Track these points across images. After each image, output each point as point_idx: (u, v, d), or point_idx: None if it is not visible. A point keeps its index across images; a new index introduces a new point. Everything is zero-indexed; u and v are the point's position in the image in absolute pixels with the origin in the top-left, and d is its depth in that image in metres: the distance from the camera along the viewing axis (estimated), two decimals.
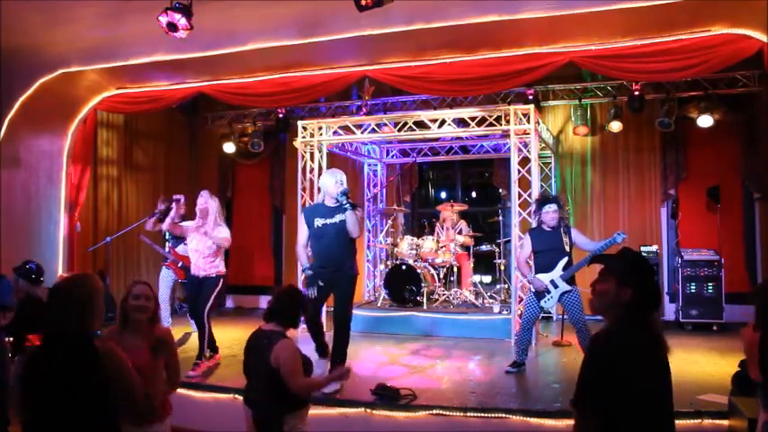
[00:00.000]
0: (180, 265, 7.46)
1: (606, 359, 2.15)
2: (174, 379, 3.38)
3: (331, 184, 5.38)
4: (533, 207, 6.22)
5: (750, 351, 3.26)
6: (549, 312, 8.79)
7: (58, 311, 2.52)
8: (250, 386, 3.55)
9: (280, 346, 3.35)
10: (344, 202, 5.23)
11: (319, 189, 5.82)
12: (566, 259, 5.68)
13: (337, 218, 5.30)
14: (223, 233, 6.00)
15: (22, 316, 4.95)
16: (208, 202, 6.00)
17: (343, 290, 5.43)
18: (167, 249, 7.58)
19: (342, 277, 5.37)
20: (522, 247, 6.16)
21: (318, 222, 5.38)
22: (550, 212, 5.76)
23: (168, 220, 6.18)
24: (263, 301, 10.96)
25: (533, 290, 5.90)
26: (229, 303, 10.94)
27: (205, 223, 5.95)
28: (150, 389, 3.15)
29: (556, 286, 5.71)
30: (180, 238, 7.48)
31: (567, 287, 5.68)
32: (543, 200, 5.92)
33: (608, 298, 2.20)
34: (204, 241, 5.97)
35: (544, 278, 5.74)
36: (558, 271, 5.70)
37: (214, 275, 5.99)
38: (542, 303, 5.81)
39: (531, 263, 6.00)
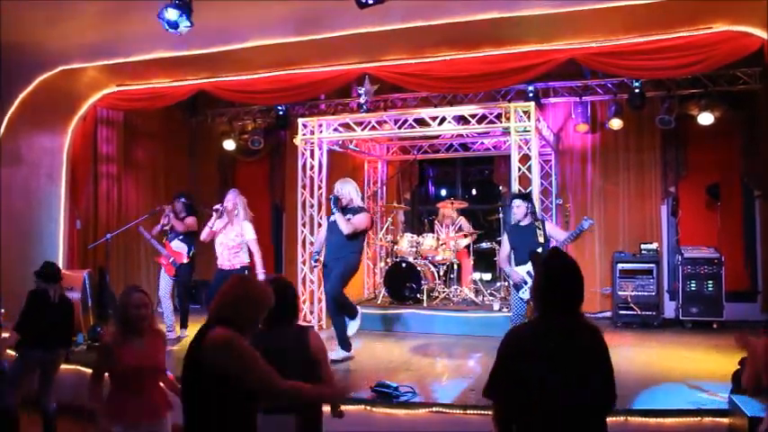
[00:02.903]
0: (171, 260, 7.37)
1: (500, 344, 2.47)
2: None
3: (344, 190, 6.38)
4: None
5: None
6: None
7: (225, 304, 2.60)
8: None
9: (315, 335, 3.23)
10: (332, 207, 6.25)
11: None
12: (539, 251, 5.95)
13: (346, 216, 6.19)
14: (249, 233, 6.79)
15: (29, 311, 4.96)
16: (236, 198, 6.83)
17: (335, 269, 6.18)
18: (162, 244, 7.52)
19: (339, 261, 6.19)
20: (502, 245, 6.45)
21: (332, 218, 6.36)
22: (514, 208, 6.14)
23: (206, 229, 6.89)
24: None
25: (512, 283, 6.19)
26: None
27: (230, 220, 6.77)
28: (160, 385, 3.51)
29: (532, 277, 5.84)
30: (177, 234, 7.43)
31: None
32: (512, 196, 6.43)
33: (533, 291, 2.54)
34: (228, 234, 6.71)
35: (521, 270, 6.01)
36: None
37: (238, 267, 6.69)
38: (520, 294, 6.04)
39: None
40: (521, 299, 6.07)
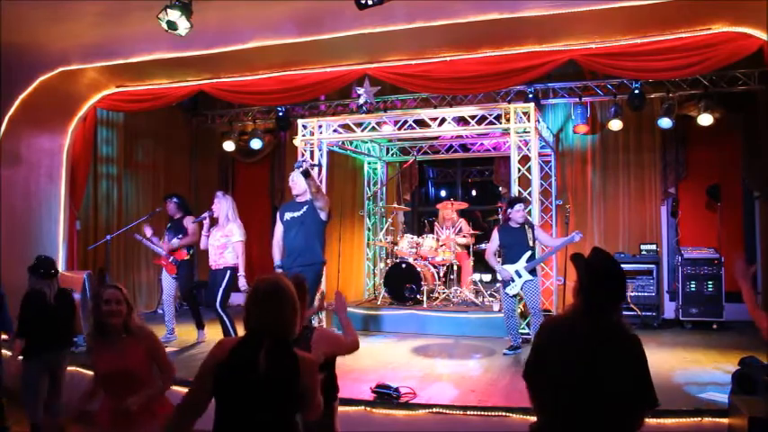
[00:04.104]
0: (171, 260, 7.32)
1: (537, 331, 2.63)
2: (166, 377, 3.35)
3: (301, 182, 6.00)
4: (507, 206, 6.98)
5: None
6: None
7: (267, 310, 2.42)
8: None
9: (317, 337, 3.22)
10: (298, 169, 5.86)
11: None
12: (529, 253, 6.47)
13: (302, 210, 5.90)
14: (236, 236, 6.54)
15: (26, 315, 4.80)
16: (220, 202, 6.66)
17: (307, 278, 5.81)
18: (160, 246, 7.46)
19: (305, 271, 5.63)
20: (491, 241, 6.83)
21: (287, 216, 6.01)
22: (520, 211, 6.54)
23: (203, 239, 6.72)
24: None
25: (500, 279, 6.68)
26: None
27: (219, 221, 6.63)
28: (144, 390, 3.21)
29: (519, 275, 6.46)
30: (175, 232, 7.40)
31: (529, 277, 6.46)
32: (513, 200, 6.74)
33: (574, 288, 2.50)
34: (215, 235, 6.60)
35: (510, 269, 6.49)
36: (522, 263, 6.44)
37: (222, 268, 6.48)
38: (507, 290, 6.51)
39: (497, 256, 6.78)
40: (507, 294, 6.55)
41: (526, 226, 6.58)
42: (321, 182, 8.43)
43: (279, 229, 6.07)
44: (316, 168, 6.03)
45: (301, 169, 5.78)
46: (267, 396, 2.34)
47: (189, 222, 7.42)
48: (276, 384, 2.35)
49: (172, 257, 7.29)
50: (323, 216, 5.91)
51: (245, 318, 2.46)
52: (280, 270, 5.85)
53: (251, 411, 2.35)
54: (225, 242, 6.56)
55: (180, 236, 7.37)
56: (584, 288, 2.43)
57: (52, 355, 4.79)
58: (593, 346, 2.35)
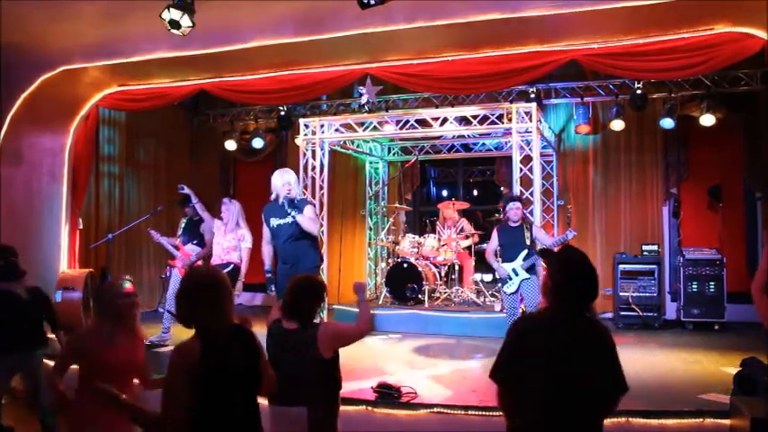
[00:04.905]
0: (186, 263, 7.30)
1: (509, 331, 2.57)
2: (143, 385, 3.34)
3: (279, 184, 5.52)
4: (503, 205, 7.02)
5: None
6: None
7: (213, 303, 2.47)
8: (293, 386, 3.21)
9: (322, 334, 3.25)
10: (289, 211, 5.34)
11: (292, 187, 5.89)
12: (526, 251, 6.47)
13: (289, 217, 5.41)
14: (247, 241, 6.89)
15: None
16: (228, 208, 6.95)
17: None
18: (175, 245, 7.46)
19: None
20: (490, 240, 6.89)
21: (273, 223, 5.54)
22: (514, 209, 6.56)
23: (197, 204, 7.14)
24: (262, 299, 11.00)
25: (497, 277, 6.79)
26: None
27: (228, 227, 6.93)
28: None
29: (516, 274, 6.48)
30: (189, 235, 7.39)
31: (527, 275, 6.47)
32: (509, 198, 6.82)
33: (545, 285, 2.53)
34: (226, 236, 6.90)
35: (507, 267, 6.53)
36: (519, 261, 6.46)
37: (225, 263, 6.76)
38: (504, 288, 6.58)
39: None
40: (505, 293, 6.62)
41: (524, 225, 6.62)
42: (323, 182, 8.46)
43: (267, 234, 5.67)
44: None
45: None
46: (246, 385, 2.47)
47: (205, 229, 7.40)
48: (250, 371, 2.48)
49: (187, 261, 7.27)
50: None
51: (188, 314, 2.49)
52: (269, 275, 5.69)
53: (236, 404, 2.41)
54: (236, 244, 6.87)
55: (195, 241, 7.36)
56: (558, 287, 2.45)
57: (24, 357, 4.60)
58: (570, 345, 2.38)
